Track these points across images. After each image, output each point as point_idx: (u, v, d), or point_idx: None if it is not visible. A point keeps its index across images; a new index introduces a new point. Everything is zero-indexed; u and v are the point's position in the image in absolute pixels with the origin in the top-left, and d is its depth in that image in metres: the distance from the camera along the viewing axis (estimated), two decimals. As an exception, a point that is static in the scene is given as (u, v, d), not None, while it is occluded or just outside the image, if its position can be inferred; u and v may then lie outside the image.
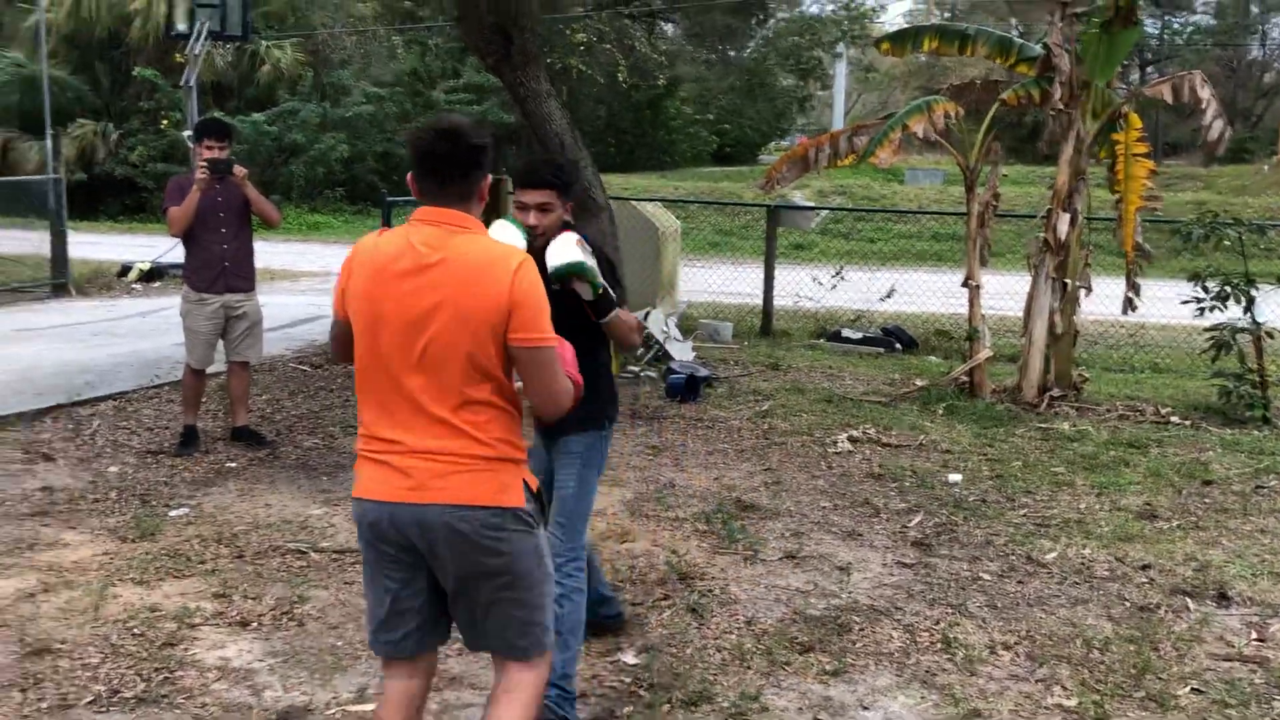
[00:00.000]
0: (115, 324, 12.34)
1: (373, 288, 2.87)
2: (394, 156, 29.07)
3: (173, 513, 6.08)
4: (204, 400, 7.70)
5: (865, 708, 4.21)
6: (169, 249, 17.34)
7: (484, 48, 8.89)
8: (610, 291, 3.81)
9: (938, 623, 4.95)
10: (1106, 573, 5.60)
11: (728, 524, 6.09)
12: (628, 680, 4.35)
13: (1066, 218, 9.02)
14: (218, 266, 7.13)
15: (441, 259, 2.83)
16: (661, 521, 6.18)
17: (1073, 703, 4.23)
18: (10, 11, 30.03)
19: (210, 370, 7.44)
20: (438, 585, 3.01)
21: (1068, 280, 9.09)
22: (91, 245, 19.38)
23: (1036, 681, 4.41)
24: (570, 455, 4.05)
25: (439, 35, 32.49)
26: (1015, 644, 4.76)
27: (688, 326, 12.00)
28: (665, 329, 9.78)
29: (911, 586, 5.38)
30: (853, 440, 7.95)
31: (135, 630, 4.62)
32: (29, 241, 15.53)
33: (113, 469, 6.88)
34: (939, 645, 4.73)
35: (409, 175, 2.96)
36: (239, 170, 7.05)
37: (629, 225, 13.04)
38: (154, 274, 16.42)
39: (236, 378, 7.44)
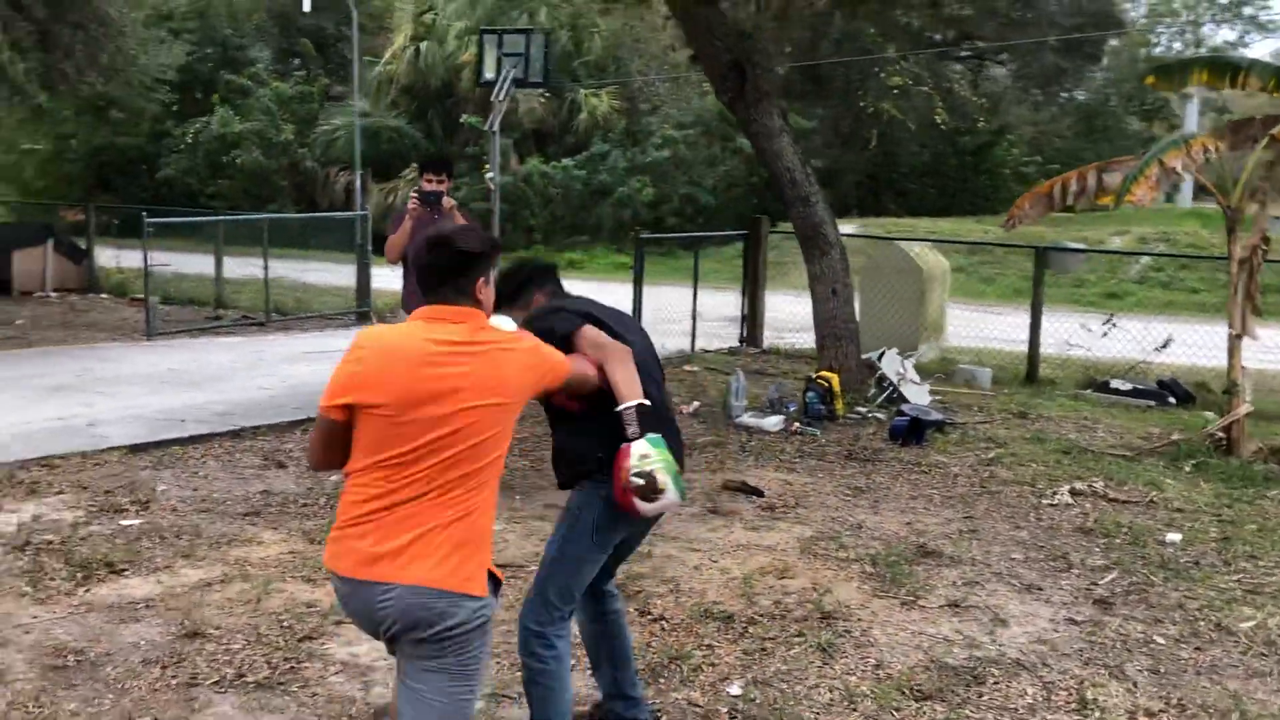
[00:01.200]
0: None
1: (395, 379, 2.92)
2: (696, 200, 29.68)
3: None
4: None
5: (962, 763, 3.98)
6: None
7: (720, 84, 9.03)
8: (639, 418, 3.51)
9: (1082, 683, 4.61)
10: (1246, 650, 5.04)
11: (894, 567, 5.88)
12: (723, 710, 4.29)
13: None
14: (430, 292, 7.53)
15: (475, 344, 2.98)
16: (830, 561, 6.04)
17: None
18: (352, 66, 32.76)
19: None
20: None
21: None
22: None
23: (1165, 754, 4.04)
24: (564, 512, 3.79)
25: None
26: (1160, 711, 4.38)
27: (945, 370, 11.64)
28: (901, 370, 9.53)
29: (1071, 644, 5.05)
30: (1074, 493, 7.49)
31: (284, 623, 4.95)
32: (341, 274, 16.83)
33: (333, 478, 7.37)
34: (1072, 705, 4.42)
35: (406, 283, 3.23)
36: (447, 202, 7.45)
37: (892, 265, 12.85)
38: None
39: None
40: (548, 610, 3.64)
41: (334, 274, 17.51)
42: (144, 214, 13.93)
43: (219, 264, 16.94)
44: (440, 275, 3.03)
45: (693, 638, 4.98)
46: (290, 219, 21.43)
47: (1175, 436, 8.95)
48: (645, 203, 29.24)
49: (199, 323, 14.94)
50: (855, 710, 4.35)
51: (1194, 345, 11.07)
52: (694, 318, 12.83)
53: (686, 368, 11.83)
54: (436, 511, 2.88)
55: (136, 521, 6.29)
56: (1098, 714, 4.35)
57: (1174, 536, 6.62)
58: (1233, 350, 8.48)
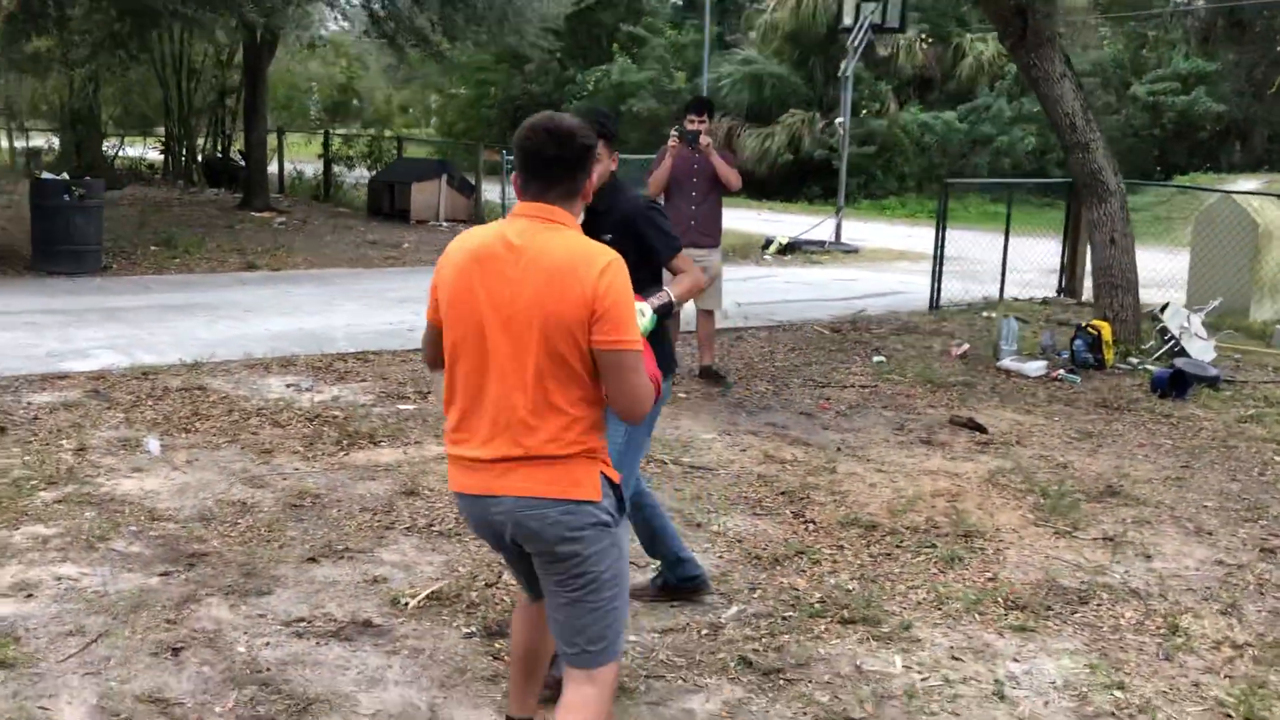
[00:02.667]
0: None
1: (460, 277, 2.86)
2: (1085, 150, 28.54)
3: (597, 421, 7.29)
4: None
5: (1016, 659, 4.30)
6: (813, 226, 18.99)
7: (1003, 29, 9.11)
8: (662, 310, 3.68)
9: (1185, 612, 4.74)
10: None
11: (1064, 501, 6.06)
12: (817, 595, 4.78)
13: None
14: (685, 224, 8.22)
15: (526, 251, 2.80)
16: (1006, 491, 6.28)
17: (1229, 697, 4.00)
18: (746, 13, 33.66)
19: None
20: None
21: None
22: (765, 222, 21.50)
23: (1224, 677, 4.18)
24: None
25: (1156, 26, 31.21)
26: (1246, 644, 4.46)
27: (1254, 329, 11.09)
28: (1185, 324, 9.28)
29: (1202, 582, 5.12)
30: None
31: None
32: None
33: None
34: (1160, 630, 4.58)
35: (513, 175, 2.93)
36: (704, 140, 8.07)
37: (1225, 220, 12.29)
38: (790, 248, 18.01)
39: (703, 323, 8.52)
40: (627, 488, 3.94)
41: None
42: (504, 154, 15.41)
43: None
44: (554, 173, 2.86)
45: (829, 539, 5.47)
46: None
47: None
48: (1027, 151, 28.46)
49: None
50: (940, 609, 4.72)
51: None
52: (1004, 266, 12.82)
53: (985, 314, 11.92)
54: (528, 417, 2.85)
55: (411, 407, 7.45)
56: (1182, 639, 4.49)
57: (1406, 503, 6.33)
58: None
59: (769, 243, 18.34)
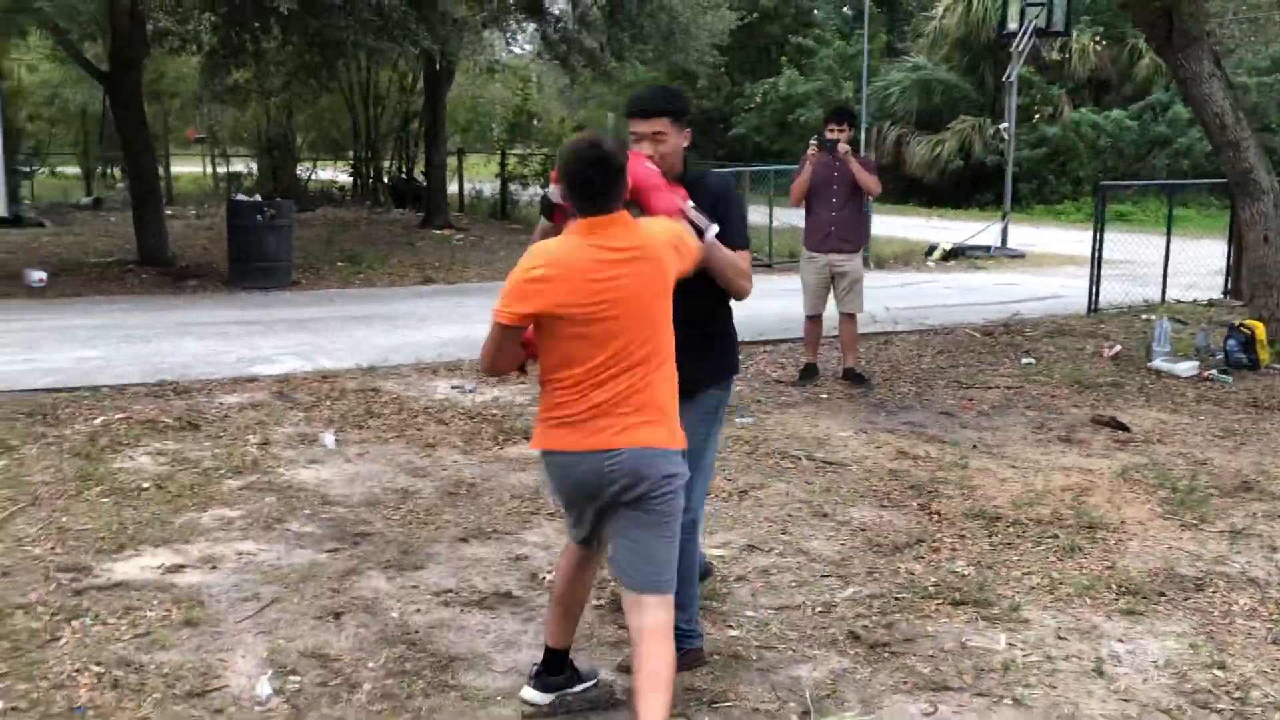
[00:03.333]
0: (875, 292, 14.09)
1: (590, 286, 3.29)
2: (1275, 150, 27.44)
3: (739, 419, 7.63)
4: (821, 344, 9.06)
5: (1121, 640, 4.47)
6: (979, 232, 18.89)
7: (1149, 30, 9.10)
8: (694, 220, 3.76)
9: (1301, 604, 4.82)
10: None
11: (1194, 495, 6.12)
12: (932, 579, 5.02)
13: None
14: (825, 230, 8.50)
15: (636, 248, 3.34)
16: (1137, 486, 6.36)
17: (1326, 681, 4.10)
18: (915, 20, 33.46)
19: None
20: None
21: None
22: (934, 229, 21.43)
23: (1328, 663, 4.27)
24: (706, 410, 4.05)
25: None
26: (1357, 634, 4.53)
27: None
28: (1348, 324, 9.09)
29: (1327, 575, 5.16)
30: None
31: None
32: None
33: (736, 388, 8.61)
34: (1273, 616, 4.67)
35: (564, 194, 3.43)
36: (842, 148, 8.31)
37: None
38: (954, 254, 17.97)
39: (844, 327, 8.75)
40: (702, 493, 4.16)
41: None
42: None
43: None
44: (603, 193, 3.32)
45: (951, 529, 5.68)
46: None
47: None
48: (1206, 153, 27.51)
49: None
50: (1052, 594, 4.90)
51: None
52: (1165, 268, 12.65)
53: (1144, 316, 11.79)
54: (645, 389, 3.38)
55: (564, 407, 7.90)
56: (1292, 628, 4.58)
57: None
58: None
59: (932, 249, 18.32)
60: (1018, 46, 18.40)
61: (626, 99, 4.08)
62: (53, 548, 5.16)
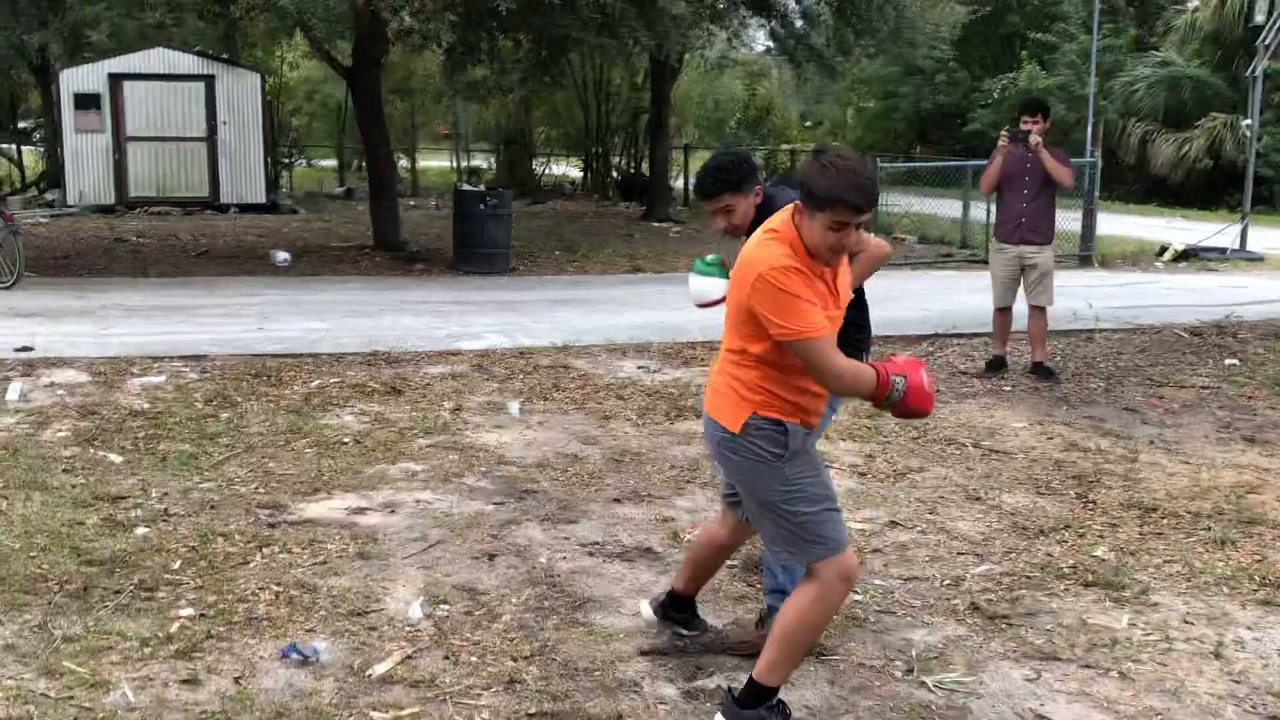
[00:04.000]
0: (1090, 290, 13.73)
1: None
2: None
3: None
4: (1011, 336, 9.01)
5: (1250, 628, 4.47)
6: (1215, 233, 18.11)
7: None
8: None
9: None
10: None
11: (1371, 497, 5.93)
12: (1070, 562, 5.09)
13: None
14: (1015, 221, 8.47)
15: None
16: (1313, 484, 6.21)
17: None
18: (1165, 13, 32.04)
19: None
20: None
21: None
22: (1173, 229, 20.59)
23: None
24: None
25: None
26: None
27: None
28: None
29: None
30: None
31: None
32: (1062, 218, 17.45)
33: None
34: None
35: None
36: (1034, 140, 8.26)
37: None
38: (1186, 255, 17.26)
39: (1034, 320, 8.69)
40: None
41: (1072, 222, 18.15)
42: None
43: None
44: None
45: (1104, 517, 5.69)
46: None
47: None
48: None
49: (927, 256, 16.65)
50: (1190, 581, 4.89)
51: None
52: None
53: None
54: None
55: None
56: None
57: None
58: None
59: (1164, 250, 17.66)
60: (1264, 40, 17.54)
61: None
62: (256, 488, 5.80)
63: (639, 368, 8.79)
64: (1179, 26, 30.33)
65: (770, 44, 23.07)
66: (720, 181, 4.14)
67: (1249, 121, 18.91)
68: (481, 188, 15.39)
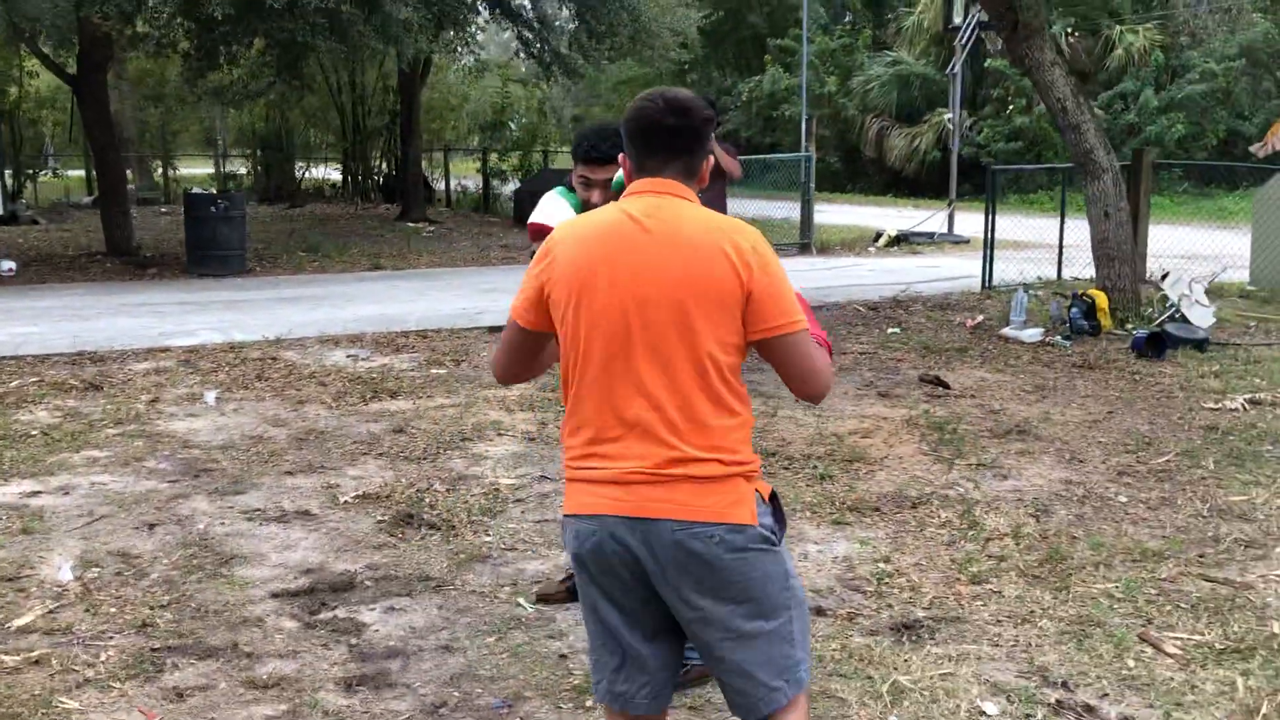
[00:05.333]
0: (798, 274, 14.79)
1: (585, 263, 2.53)
2: (1241, 135, 27.99)
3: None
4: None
5: (816, 543, 5.24)
6: (923, 220, 19.60)
7: (998, 22, 9.83)
8: None
9: (994, 513, 5.55)
10: (1200, 514, 5.57)
11: (958, 436, 6.88)
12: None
13: None
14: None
15: (658, 229, 2.51)
16: (915, 429, 7.11)
17: (964, 561, 4.86)
18: (893, 14, 34.12)
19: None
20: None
21: None
22: (901, 217, 22.07)
23: (984, 555, 5.03)
24: None
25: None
26: (1025, 534, 5.27)
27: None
28: (1187, 292, 9.78)
29: (1038, 495, 5.88)
30: (1254, 402, 7.75)
31: (456, 430, 7.09)
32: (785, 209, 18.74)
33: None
34: (960, 525, 5.43)
35: (620, 154, 2.68)
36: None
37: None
38: (899, 240, 18.66)
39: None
40: None
41: (781, 210, 19.41)
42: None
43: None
44: (675, 147, 2.57)
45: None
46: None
47: None
48: (1176, 140, 28.10)
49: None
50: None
51: None
52: (1060, 247, 13.36)
53: (1032, 291, 12.49)
54: None
55: (442, 371, 8.73)
56: (973, 530, 5.33)
57: (1294, 436, 6.89)
58: None
59: (879, 235, 19.02)
60: (961, 40, 19.09)
61: (577, 143, 3.92)
62: (-66, 478, 6.04)
63: (348, 356, 9.24)
64: (908, 27, 32.32)
65: (519, 47, 23.72)
66: (617, 149, 3.40)
67: (950, 115, 20.49)
68: (212, 191, 15.41)
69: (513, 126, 28.25)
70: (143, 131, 31.15)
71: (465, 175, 29.89)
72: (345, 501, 5.74)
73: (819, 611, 4.48)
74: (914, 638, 4.26)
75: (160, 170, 30.90)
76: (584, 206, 3.78)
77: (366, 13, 14.77)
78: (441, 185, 28.62)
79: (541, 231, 3.69)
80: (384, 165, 29.64)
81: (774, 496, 2.65)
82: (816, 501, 5.75)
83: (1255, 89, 28.76)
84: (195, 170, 34.94)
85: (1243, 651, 4.10)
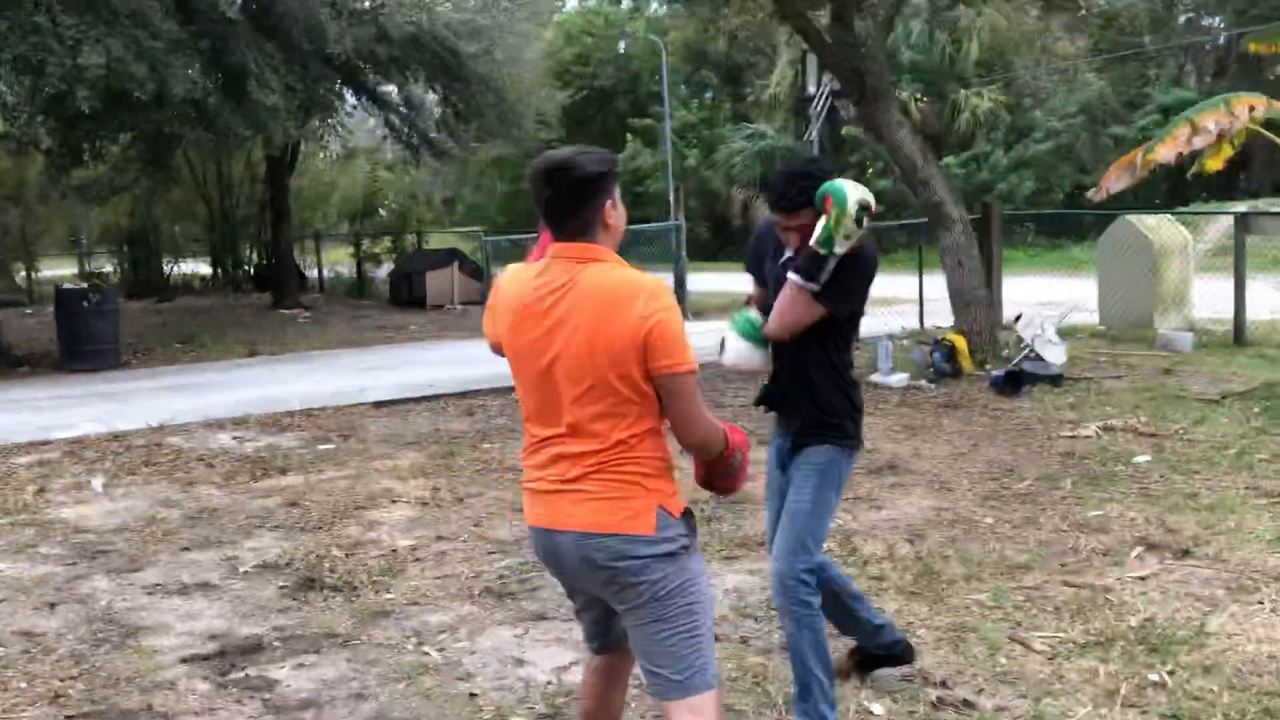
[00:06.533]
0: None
1: (515, 323, 2.87)
2: (1086, 189, 29.49)
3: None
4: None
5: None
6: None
7: (847, 87, 10.41)
8: (828, 266, 3.53)
9: (872, 539, 5.88)
10: (1060, 529, 6.00)
11: (835, 473, 7.22)
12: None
13: None
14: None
15: (570, 292, 2.77)
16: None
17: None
18: (750, 88, 35.30)
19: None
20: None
21: None
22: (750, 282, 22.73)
23: (861, 576, 5.34)
24: (809, 467, 3.77)
25: (1156, 63, 32.14)
26: (899, 557, 5.60)
27: (1148, 337, 12.13)
28: (1040, 331, 10.36)
29: (910, 522, 6.24)
30: (1106, 429, 8.26)
31: (348, 500, 7.20)
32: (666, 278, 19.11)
33: (495, 421, 9.58)
34: (842, 552, 5.74)
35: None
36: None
37: (1124, 241, 13.35)
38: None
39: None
40: (806, 558, 3.73)
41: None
42: (483, 236, 16.85)
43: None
44: (560, 210, 2.80)
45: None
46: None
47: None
48: (1027, 195, 29.50)
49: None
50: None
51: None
52: (920, 298, 14.00)
53: (901, 341, 13.06)
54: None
55: (330, 446, 8.84)
56: (854, 557, 5.65)
57: (1141, 459, 7.39)
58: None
59: (750, 299, 19.50)
60: (815, 108, 19.90)
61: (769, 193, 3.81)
62: None
63: (234, 438, 9.27)
64: (765, 99, 33.46)
65: (386, 131, 24.00)
66: (804, 194, 3.56)
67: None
68: (84, 287, 15.26)
69: (382, 212, 28.41)
70: (2, 234, 30.51)
71: (338, 261, 29.87)
72: (245, 571, 5.83)
73: (714, 638, 4.72)
74: (804, 654, 4.52)
75: (23, 272, 30.22)
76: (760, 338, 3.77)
77: (234, 101, 14.90)
78: (314, 272, 28.55)
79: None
80: (254, 254, 29.45)
81: (687, 513, 2.91)
82: (706, 541, 6.00)
83: (1095, 144, 30.33)
84: (59, 271, 34.16)
85: (1103, 644, 4.47)
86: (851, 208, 3.47)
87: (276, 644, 4.88)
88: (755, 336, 3.74)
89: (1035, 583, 5.21)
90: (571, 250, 2.81)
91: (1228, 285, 12.92)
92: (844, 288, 3.64)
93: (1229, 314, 12.71)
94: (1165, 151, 8.37)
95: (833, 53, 10.32)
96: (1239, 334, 11.93)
